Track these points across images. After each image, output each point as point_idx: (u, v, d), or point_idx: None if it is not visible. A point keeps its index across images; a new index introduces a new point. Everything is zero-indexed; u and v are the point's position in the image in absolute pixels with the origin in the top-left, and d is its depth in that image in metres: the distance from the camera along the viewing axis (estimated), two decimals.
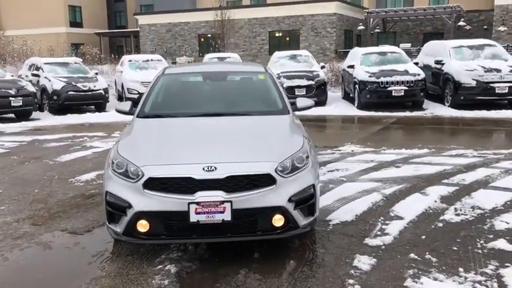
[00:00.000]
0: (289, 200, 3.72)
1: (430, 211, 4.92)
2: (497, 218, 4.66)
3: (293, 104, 5.16)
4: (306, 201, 3.84)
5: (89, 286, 3.52)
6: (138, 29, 36.46)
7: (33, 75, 15.25)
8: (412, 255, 3.87)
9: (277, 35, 32.82)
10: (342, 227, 4.55)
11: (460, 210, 4.91)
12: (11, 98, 12.72)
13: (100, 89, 14.86)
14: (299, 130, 4.45)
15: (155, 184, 3.65)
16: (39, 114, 14.11)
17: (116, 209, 3.77)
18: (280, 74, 14.85)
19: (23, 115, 13.40)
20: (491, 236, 4.22)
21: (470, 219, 4.67)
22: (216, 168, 3.64)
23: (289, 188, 3.75)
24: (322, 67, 16.36)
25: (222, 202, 3.59)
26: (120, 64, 18.48)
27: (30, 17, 39.27)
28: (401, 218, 4.73)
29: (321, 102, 14.89)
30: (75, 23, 41.74)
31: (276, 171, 3.71)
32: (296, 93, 14.41)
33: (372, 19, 31.39)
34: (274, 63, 16.21)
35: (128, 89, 16.00)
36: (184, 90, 5.42)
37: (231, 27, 30.91)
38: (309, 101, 5.27)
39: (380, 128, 10.72)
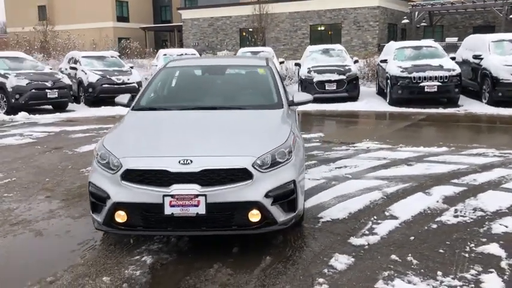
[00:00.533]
0: (266, 196, 3.68)
1: (428, 211, 4.72)
2: (498, 221, 4.41)
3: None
4: (285, 197, 3.79)
5: (65, 273, 3.61)
6: (181, 23, 37.01)
7: (71, 68, 15.77)
8: (393, 256, 3.73)
9: (318, 28, 32.42)
10: (331, 225, 4.45)
11: (460, 211, 4.69)
12: (47, 90, 13.21)
13: (133, 82, 15.18)
14: (288, 125, 4.37)
15: (133, 176, 3.70)
16: (75, 106, 14.59)
17: (97, 199, 3.86)
18: (311, 69, 14.65)
19: (59, 106, 13.89)
20: (484, 240, 4.00)
21: (468, 221, 4.45)
22: (191, 161, 3.65)
23: (266, 183, 3.70)
24: (356, 61, 16.01)
25: (197, 195, 3.59)
26: (156, 58, 18.84)
27: (79, 12, 40.60)
28: (395, 218, 4.57)
29: (353, 97, 14.59)
30: (122, 17, 42.85)
31: (253, 166, 3.67)
32: (326, 88, 14.22)
33: (417, 12, 30.35)
34: (307, 57, 16.02)
35: None
36: (181, 83, 5.46)
37: (271, 21, 30.78)
38: (307, 96, 5.20)
39: (406, 125, 10.39)
